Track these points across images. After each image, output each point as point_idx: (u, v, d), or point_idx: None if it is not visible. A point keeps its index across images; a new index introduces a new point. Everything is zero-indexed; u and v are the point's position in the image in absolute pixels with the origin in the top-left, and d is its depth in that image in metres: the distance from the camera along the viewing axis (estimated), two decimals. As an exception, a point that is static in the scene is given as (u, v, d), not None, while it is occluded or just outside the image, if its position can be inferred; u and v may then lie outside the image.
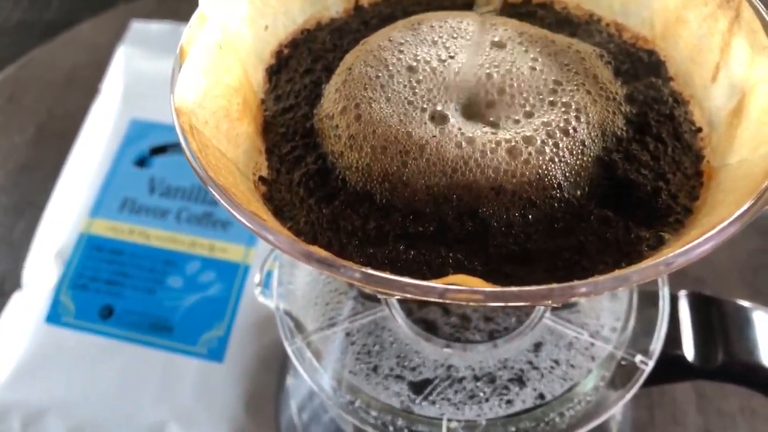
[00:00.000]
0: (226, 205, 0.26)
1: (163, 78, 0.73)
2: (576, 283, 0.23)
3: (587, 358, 0.40)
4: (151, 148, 0.68)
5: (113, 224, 0.64)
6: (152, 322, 0.59)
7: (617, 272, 0.24)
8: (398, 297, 0.25)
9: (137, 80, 0.74)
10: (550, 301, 0.28)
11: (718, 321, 0.45)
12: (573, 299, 0.39)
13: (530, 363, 0.39)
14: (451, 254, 0.28)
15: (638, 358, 0.40)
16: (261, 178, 0.32)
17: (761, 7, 0.31)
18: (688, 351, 0.43)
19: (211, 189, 0.26)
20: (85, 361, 0.58)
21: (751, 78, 0.31)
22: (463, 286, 0.23)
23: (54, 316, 0.60)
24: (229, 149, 0.31)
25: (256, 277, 0.45)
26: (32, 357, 0.58)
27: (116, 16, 0.90)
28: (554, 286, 0.23)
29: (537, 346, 0.40)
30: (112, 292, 0.60)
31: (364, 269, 0.24)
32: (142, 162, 0.67)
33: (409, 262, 0.28)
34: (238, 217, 0.26)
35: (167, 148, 0.68)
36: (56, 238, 0.64)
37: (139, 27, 0.79)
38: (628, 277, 0.24)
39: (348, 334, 0.41)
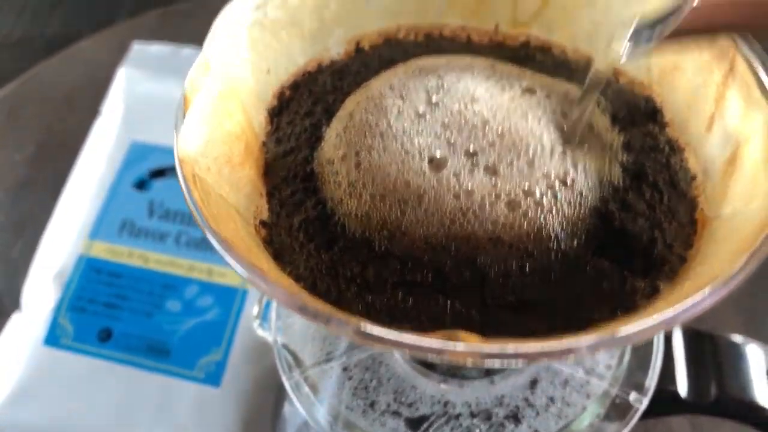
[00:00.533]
0: (228, 257, 0.26)
1: (163, 101, 0.74)
2: (575, 343, 0.24)
3: (582, 395, 0.40)
4: (151, 171, 0.68)
5: (112, 247, 0.64)
6: (150, 345, 0.59)
7: (617, 332, 0.24)
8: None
9: (138, 102, 0.74)
10: (547, 359, 0.28)
11: (711, 356, 0.45)
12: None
13: (526, 400, 0.40)
14: (448, 303, 0.29)
15: (633, 396, 0.40)
16: (262, 222, 0.33)
17: (756, 61, 0.32)
18: (682, 386, 0.44)
19: (213, 241, 0.27)
20: (83, 383, 0.58)
21: (744, 130, 0.32)
22: (461, 345, 0.24)
23: (52, 338, 0.60)
24: (230, 194, 0.31)
25: (254, 309, 0.45)
26: (30, 379, 0.59)
27: (117, 34, 0.90)
28: (553, 346, 0.24)
29: (533, 383, 0.40)
30: (110, 314, 0.61)
31: (361, 327, 0.24)
32: (141, 185, 0.68)
33: (407, 310, 0.29)
34: (240, 270, 0.26)
35: (166, 171, 0.68)
36: (55, 259, 0.65)
37: (140, 48, 0.80)
38: (629, 338, 0.24)
39: (345, 369, 0.41)
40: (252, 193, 0.33)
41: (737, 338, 0.45)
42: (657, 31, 0.29)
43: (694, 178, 0.34)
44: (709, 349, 0.45)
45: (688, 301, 0.24)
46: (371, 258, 0.30)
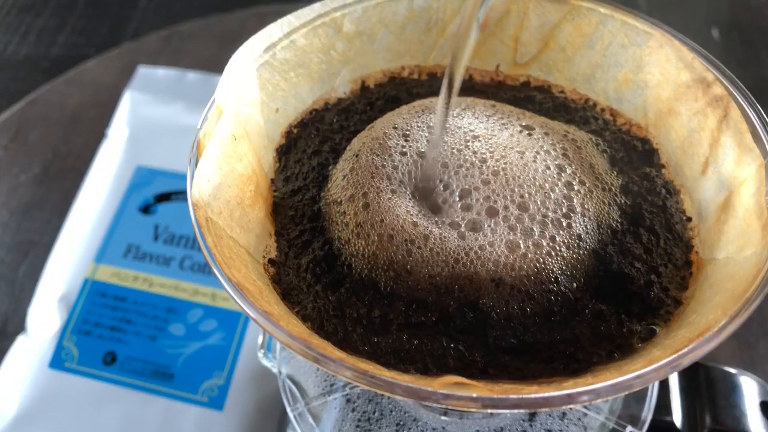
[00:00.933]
0: (240, 302, 0.27)
1: (168, 125, 0.76)
2: (575, 391, 0.25)
3: (580, 428, 0.41)
4: (156, 195, 0.69)
5: (117, 270, 0.65)
6: (154, 369, 0.60)
7: (617, 378, 0.25)
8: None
9: (143, 127, 0.75)
10: (547, 409, 0.29)
11: (705, 387, 0.46)
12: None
13: (525, 432, 0.41)
14: (452, 345, 0.30)
15: (629, 429, 0.41)
16: (270, 261, 0.34)
17: (749, 108, 0.33)
18: (677, 418, 0.45)
19: (225, 285, 0.28)
20: (88, 406, 0.59)
21: (738, 176, 0.33)
22: (461, 393, 0.25)
23: (57, 361, 0.61)
24: (241, 236, 0.32)
25: (259, 339, 0.46)
26: (35, 402, 0.59)
27: (121, 56, 0.91)
28: (554, 395, 0.24)
29: (532, 416, 0.41)
30: (115, 338, 0.62)
31: (362, 368, 0.25)
32: (146, 209, 0.69)
33: (412, 352, 0.30)
34: (250, 313, 0.27)
35: (171, 196, 0.69)
36: (61, 282, 0.65)
37: (145, 72, 0.81)
38: (630, 384, 0.25)
39: (348, 401, 0.42)
40: (261, 233, 0.34)
41: (731, 369, 0.46)
42: None
43: (689, 220, 0.35)
44: (704, 380, 0.46)
45: (683, 350, 0.25)
46: (377, 299, 0.31)
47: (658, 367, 0.25)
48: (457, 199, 0.34)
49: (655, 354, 0.27)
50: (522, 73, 0.42)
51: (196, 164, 0.31)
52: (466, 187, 0.34)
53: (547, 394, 0.24)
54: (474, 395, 0.24)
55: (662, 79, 0.37)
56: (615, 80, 0.39)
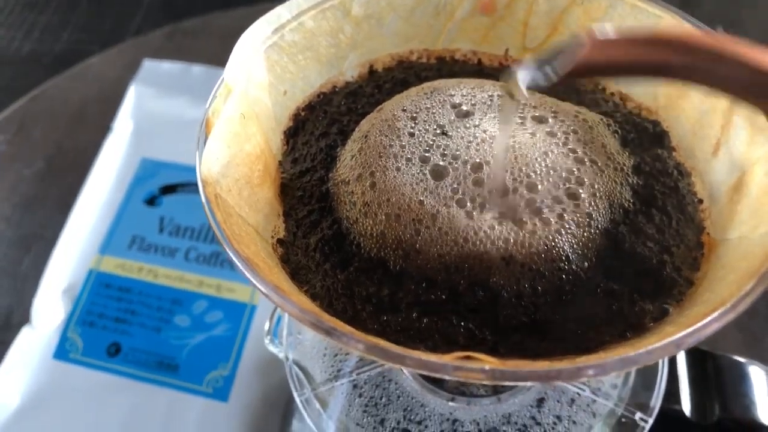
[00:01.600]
0: (250, 277, 0.27)
1: (174, 118, 0.75)
2: (584, 365, 0.24)
3: (589, 414, 0.41)
4: (161, 187, 0.69)
5: (122, 262, 0.65)
6: (159, 360, 0.60)
7: (626, 353, 0.25)
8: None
9: (148, 119, 0.75)
10: (558, 381, 0.29)
11: (714, 376, 0.46)
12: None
13: (533, 419, 0.40)
14: (462, 324, 0.30)
15: (638, 415, 0.41)
16: (279, 241, 0.34)
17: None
18: (686, 406, 0.44)
19: (236, 261, 0.27)
20: (92, 397, 0.59)
21: (750, 156, 0.32)
22: (471, 365, 0.24)
23: (62, 352, 0.61)
24: (250, 215, 0.32)
25: (265, 325, 0.46)
26: (39, 393, 0.59)
27: (125, 51, 0.91)
28: (562, 367, 0.24)
29: (540, 402, 0.41)
30: (119, 329, 0.61)
31: (373, 342, 0.25)
32: (152, 201, 0.69)
33: (421, 330, 0.30)
34: (261, 288, 0.27)
35: (177, 188, 0.69)
36: (66, 274, 0.65)
37: (150, 66, 0.81)
38: (638, 359, 0.25)
39: (355, 386, 0.42)
40: (270, 213, 0.34)
41: (740, 359, 0.46)
42: (550, 72, 0.27)
43: (700, 201, 0.35)
44: (713, 369, 0.46)
45: (696, 325, 0.25)
46: (386, 278, 0.31)
47: (670, 342, 0.25)
48: (464, 179, 0.33)
49: (668, 330, 0.27)
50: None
51: (205, 142, 0.31)
52: (473, 164, 0.33)
53: (557, 367, 0.24)
54: (485, 367, 0.24)
55: (672, 61, 0.37)
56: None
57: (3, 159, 0.81)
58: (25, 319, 0.64)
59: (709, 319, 0.25)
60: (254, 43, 0.36)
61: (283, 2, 0.38)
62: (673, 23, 0.37)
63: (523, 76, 0.28)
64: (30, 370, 0.60)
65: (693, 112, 0.36)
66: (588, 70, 0.27)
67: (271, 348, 0.45)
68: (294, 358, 0.43)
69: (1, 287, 0.69)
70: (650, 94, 0.39)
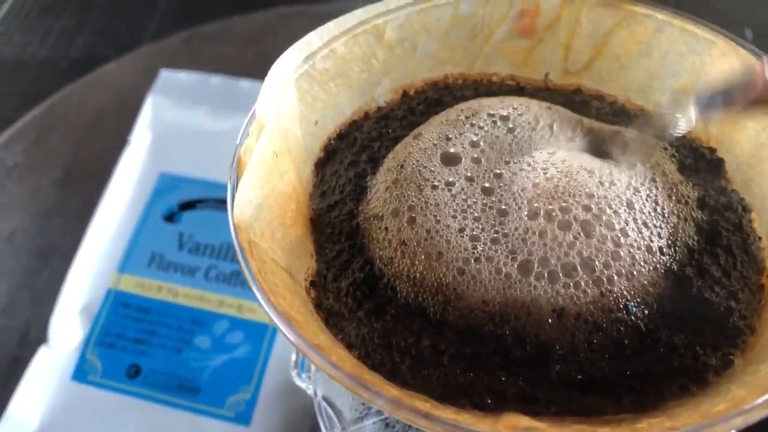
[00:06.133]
0: (287, 334, 0.25)
1: (192, 130, 0.74)
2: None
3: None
4: (180, 203, 0.68)
5: (141, 281, 0.64)
6: (179, 383, 0.58)
7: (701, 424, 0.23)
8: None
9: (166, 132, 0.73)
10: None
11: None
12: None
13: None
14: (511, 380, 0.28)
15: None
16: (312, 283, 0.32)
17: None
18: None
19: (272, 316, 0.26)
20: (111, 420, 0.57)
21: (815, 196, 0.31)
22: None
23: (80, 374, 0.59)
24: (283, 258, 0.30)
25: (292, 357, 0.44)
26: (57, 415, 0.58)
27: (142, 57, 0.90)
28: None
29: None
30: (139, 351, 0.60)
31: (430, 413, 0.23)
32: (171, 217, 0.67)
33: (466, 387, 0.28)
34: (301, 347, 0.25)
35: (196, 204, 0.67)
36: (83, 292, 0.64)
37: (168, 76, 0.79)
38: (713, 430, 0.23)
39: (387, 425, 0.40)
40: (303, 254, 0.32)
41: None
42: (720, 102, 0.29)
43: (759, 238, 0.33)
44: None
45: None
46: (426, 327, 0.29)
47: (746, 410, 0.23)
48: (518, 212, 0.31)
49: (739, 394, 0.25)
50: (573, 82, 0.40)
51: (237, 182, 0.29)
52: (521, 202, 0.32)
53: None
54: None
55: (725, 90, 0.35)
56: (673, 90, 0.37)
57: (21, 169, 0.80)
58: (42, 336, 0.63)
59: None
60: (285, 73, 0.34)
61: (299, 7, 0.36)
62: (726, 48, 0.35)
63: (696, 109, 0.30)
64: (49, 391, 0.59)
65: (749, 145, 0.34)
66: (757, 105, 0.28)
67: (299, 382, 0.43)
68: (323, 394, 0.41)
69: (19, 301, 0.68)
70: (699, 123, 0.36)
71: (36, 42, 1.00)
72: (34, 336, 0.64)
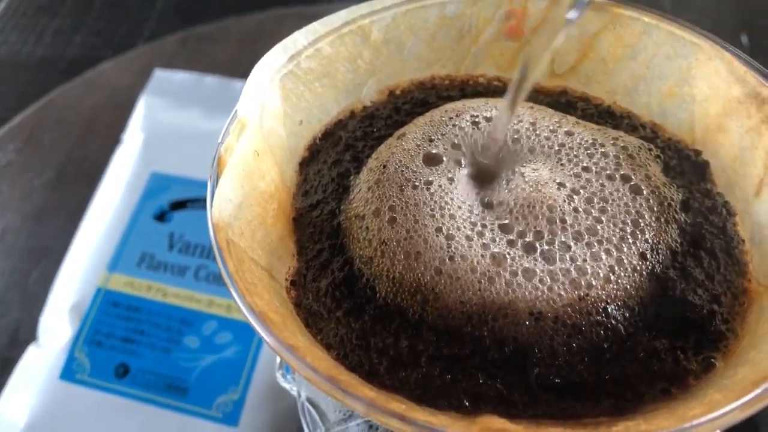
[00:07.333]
0: (263, 334, 0.25)
1: (185, 130, 0.74)
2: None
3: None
4: (171, 203, 0.67)
5: (131, 280, 0.63)
6: (168, 382, 0.58)
7: (676, 428, 0.23)
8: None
9: (158, 132, 0.73)
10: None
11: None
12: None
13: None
14: (488, 382, 0.28)
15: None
16: (292, 283, 0.32)
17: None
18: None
19: (248, 315, 0.26)
20: (99, 420, 0.57)
21: (798, 200, 0.30)
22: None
23: (68, 372, 0.59)
24: (263, 257, 0.30)
25: (277, 358, 0.44)
26: (45, 414, 0.58)
27: (138, 57, 0.90)
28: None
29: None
30: (128, 350, 0.60)
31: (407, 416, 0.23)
32: (161, 216, 0.67)
33: (444, 388, 0.28)
34: (275, 347, 0.25)
35: (187, 203, 0.67)
36: (72, 290, 0.64)
37: (161, 76, 0.79)
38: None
39: (371, 427, 0.40)
40: (284, 253, 0.32)
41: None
42: None
43: (742, 241, 0.33)
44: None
45: (745, 398, 0.23)
46: (404, 327, 0.29)
47: (721, 414, 0.23)
48: (495, 213, 0.31)
49: (715, 397, 0.25)
50: (559, 84, 0.40)
51: (217, 182, 0.29)
52: (498, 202, 0.31)
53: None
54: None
55: (711, 93, 0.35)
56: (659, 93, 0.37)
57: (13, 168, 0.79)
58: (32, 335, 0.63)
59: (763, 388, 0.23)
60: (269, 72, 0.34)
61: (295, 9, 0.36)
62: (712, 52, 0.35)
63: None
64: (36, 390, 0.59)
65: (732, 148, 0.34)
66: None
67: (283, 383, 0.43)
68: (307, 395, 0.41)
69: (9, 301, 0.68)
70: (685, 126, 0.36)
71: (32, 42, 1.00)
72: (23, 336, 0.64)
